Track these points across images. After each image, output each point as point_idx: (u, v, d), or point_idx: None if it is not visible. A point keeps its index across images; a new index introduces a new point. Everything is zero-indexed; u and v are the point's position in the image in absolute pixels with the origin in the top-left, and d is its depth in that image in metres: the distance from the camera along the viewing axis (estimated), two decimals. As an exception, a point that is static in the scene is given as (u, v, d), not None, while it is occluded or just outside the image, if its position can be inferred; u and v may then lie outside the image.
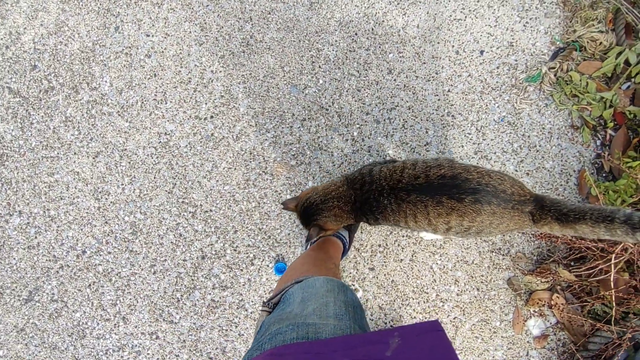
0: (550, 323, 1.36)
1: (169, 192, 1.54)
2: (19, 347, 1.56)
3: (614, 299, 1.15)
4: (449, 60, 1.49)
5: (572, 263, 1.33)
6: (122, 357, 1.52)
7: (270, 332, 0.67)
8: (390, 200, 0.97)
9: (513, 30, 1.46)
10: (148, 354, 1.51)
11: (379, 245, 1.46)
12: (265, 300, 0.87)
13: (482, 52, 1.48)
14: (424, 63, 1.49)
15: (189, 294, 1.51)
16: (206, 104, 1.56)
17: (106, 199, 1.56)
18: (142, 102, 1.58)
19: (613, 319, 1.19)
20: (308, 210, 1.08)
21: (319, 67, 1.53)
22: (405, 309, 1.44)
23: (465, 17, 1.49)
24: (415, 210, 0.94)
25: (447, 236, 1.31)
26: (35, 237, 1.58)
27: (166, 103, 1.58)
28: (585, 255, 1.28)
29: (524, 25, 1.46)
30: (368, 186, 1.02)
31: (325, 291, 0.78)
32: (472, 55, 1.48)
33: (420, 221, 0.96)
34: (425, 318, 1.43)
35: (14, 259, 1.58)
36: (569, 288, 1.34)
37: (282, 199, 1.49)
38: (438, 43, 1.49)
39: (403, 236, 1.45)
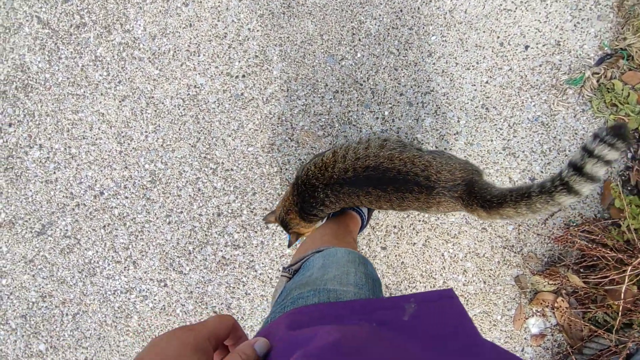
0: (550, 324, 1.40)
1: (192, 146, 1.54)
2: (25, 278, 1.60)
3: (621, 309, 1.18)
4: (492, 51, 1.46)
5: (582, 270, 1.35)
6: (128, 299, 1.55)
7: (292, 296, 0.68)
8: (326, 193, 1.03)
9: (563, 29, 1.43)
10: (154, 299, 1.55)
11: (394, 227, 1.48)
12: (285, 266, 0.88)
13: (527, 47, 1.44)
14: (466, 50, 1.46)
15: (201, 248, 1.53)
16: (239, 62, 1.54)
17: (128, 144, 1.56)
18: (175, 52, 1.56)
19: (615, 327, 1.22)
20: (283, 224, 1.21)
21: (359, 40, 1.50)
22: (411, 291, 1.46)
23: (516, 8, 1.45)
24: (352, 199, 1.01)
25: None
26: (54, 173, 1.58)
27: (199, 55, 1.55)
28: (597, 264, 1.30)
29: (575, 25, 1.42)
30: (302, 188, 1.08)
31: (347, 261, 0.79)
32: (517, 49, 1.45)
33: (357, 204, 1.05)
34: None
35: (30, 191, 1.59)
36: (574, 293, 1.37)
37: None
38: (484, 32, 1.46)
39: (419, 221, 1.47)
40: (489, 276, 1.44)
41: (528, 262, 1.41)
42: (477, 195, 0.90)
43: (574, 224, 1.38)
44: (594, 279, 1.24)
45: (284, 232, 1.49)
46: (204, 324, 0.43)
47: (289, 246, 1.27)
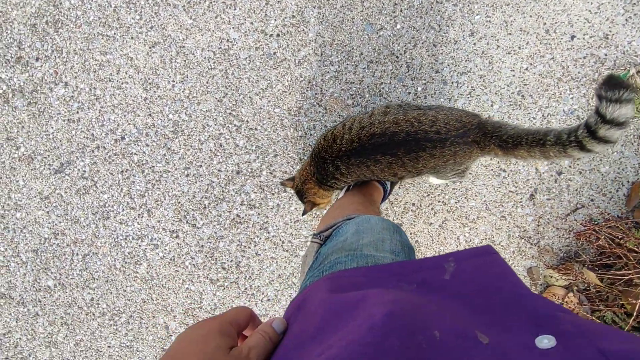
0: (558, 318, 1.39)
1: (218, 101, 1.52)
2: (40, 214, 1.60)
3: (636, 310, 1.17)
4: (537, 37, 1.41)
5: (597, 268, 1.34)
6: (139, 245, 1.56)
7: (330, 260, 0.67)
8: (336, 166, 1.03)
9: (613, 22, 1.38)
10: (165, 249, 1.55)
11: (413, 204, 1.46)
12: (315, 233, 0.87)
13: (573, 37, 1.40)
14: (510, 34, 1.42)
15: (217, 204, 1.53)
16: (275, 20, 1.50)
17: (154, 91, 1.54)
18: (211, 2, 1.52)
19: (627, 329, 1.22)
20: (299, 193, 1.21)
21: (400, 11, 1.46)
22: (421, 270, 1.46)
23: (568, -5, 1.40)
24: (362, 169, 1.01)
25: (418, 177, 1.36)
26: (77, 112, 1.57)
27: (235, 9, 1.51)
28: (615, 263, 1.29)
29: (626, 20, 1.38)
30: (315, 160, 1.09)
31: (381, 228, 0.77)
32: (562, 39, 1.40)
33: (369, 175, 1.04)
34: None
35: (52, 128, 1.58)
36: (585, 291, 1.36)
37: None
38: (530, 16, 1.41)
39: (439, 202, 1.45)
40: (502, 265, 1.44)
41: (543, 255, 1.40)
42: (493, 135, 0.92)
43: (597, 222, 1.36)
44: (610, 277, 1.23)
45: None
46: (225, 313, 0.46)
47: (303, 214, 1.27)
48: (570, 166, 1.41)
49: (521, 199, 1.44)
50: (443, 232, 1.45)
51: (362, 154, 0.98)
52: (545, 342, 0.33)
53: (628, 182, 1.38)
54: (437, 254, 1.43)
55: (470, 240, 1.44)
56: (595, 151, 0.83)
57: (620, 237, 1.23)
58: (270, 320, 0.48)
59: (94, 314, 1.61)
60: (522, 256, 1.42)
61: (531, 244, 1.42)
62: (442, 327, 0.37)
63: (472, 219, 1.44)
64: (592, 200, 1.41)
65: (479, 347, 0.35)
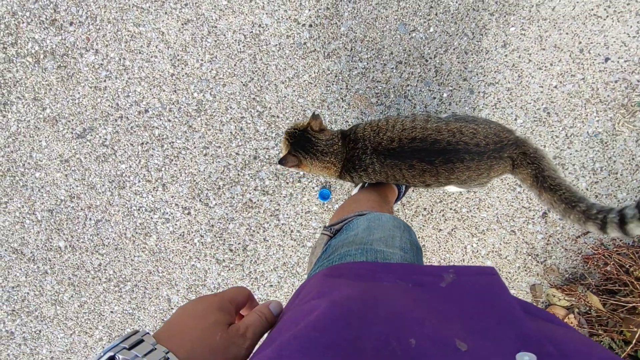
0: (555, 337, 1.40)
1: (244, 85, 1.53)
2: (58, 175, 1.64)
3: (635, 338, 1.17)
4: (570, 55, 1.40)
5: (601, 293, 1.34)
6: (151, 217, 1.59)
7: (340, 253, 0.68)
8: (372, 160, 1.01)
9: (650, 48, 1.36)
10: (175, 224, 1.58)
11: (424, 209, 1.47)
12: (326, 225, 0.88)
13: (607, 59, 1.38)
14: (543, 49, 1.41)
15: (231, 186, 1.55)
16: (309, 10, 1.50)
17: (182, 68, 1.56)
18: (247, -15, 1.52)
19: (624, 355, 1.22)
20: (303, 141, 1.04)
21: (435, 14, 1.45)
22: (425, 274, 1.47)
23: (607, 16, 1.38)
24: (394, 172, 1.00)
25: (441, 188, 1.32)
26: (104, 81, 1.59)
27: (270, -5, 1.52)
28: (620, 290, 1.29)
29: (663, 48, 1.36)
30: (353, 144, 1.04)
31: (392, 226, 0.78)
32: (596, 60, 1.39)
33: (399, 180, 1.03)
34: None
35: (79, 93, 1.60)
36: (586, 314, 1.36)
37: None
38: (566, 34, 1.40)
39: (451, 209, 1.46)
40: (506, 278, 1.44)
41: (549, 274, 1.40)
42: (534, 162, 0.93)
43: (607, 247, 1.36)
44: (614, 303, 1.23)
45: (315, 188, 1.50)
46: (225, 291, 0.48)
47: (280, 162, 1.04)
48: (587, 189, 1.40)
49: (533, 215, 1.43)
50: (451, 240, 1.46)
51: (399, 156, 0.97)
52: (526, 359, 0.34)
53: (632, 237, 1.37)
54: (441, 263, 1.44)
55: (477, 251, 1.45)
56: (610, 235, 0.85)
57: (629, 265, 1.23)
58: (268, 302, 0.50)
59: (100, 279, 1.65)
60: (527, 272, 1.43)
61: (538, 261, 1.42)
62: (420, 333, 0.38)
63: (481, 230, 1.45)
64: (604, 225, 1.40)
65: (457, 354, 0.36)
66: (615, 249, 1.30)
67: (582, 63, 1.39)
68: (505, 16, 1.42)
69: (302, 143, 1.03)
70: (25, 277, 1.68)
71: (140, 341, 0.38)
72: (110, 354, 0.36)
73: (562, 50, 1.40)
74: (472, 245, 1.45)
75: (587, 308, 1.35)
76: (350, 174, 1.09)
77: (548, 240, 1.42)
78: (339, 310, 0.40)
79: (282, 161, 1.03)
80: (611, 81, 1.39)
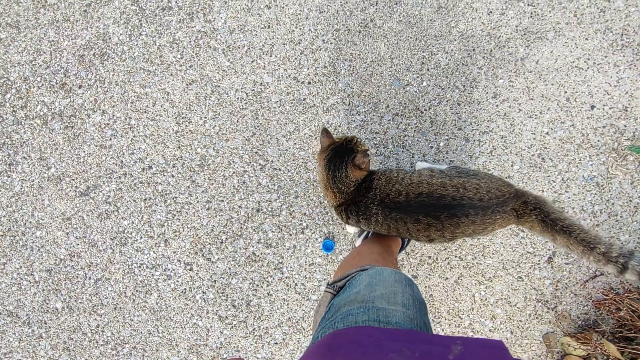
0: (575, 390, 1.34)
1: (246, 139, 1.57)
2: (59, 234, 1.62)
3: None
4: (557, 104, 1.47)
5: (618, 340, 1.30)
6: (152, 275, 1.56)
7: (342, 312, 0.68)
8: (377, 211, 1.02)
9: (632, 96, 1.44)
10: (177, 281, 1.55)
11: (429, 257, 1.46)
12: (329, 282, 0.88)
13: (593, 107, 1.45)
14: (532, 99, 1.48)
15: (234, 240, 1.54)
16: (308, 69, 1.59)
17: (186, 125, 1.61)
18: (249, 48, 1.62)
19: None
20: (341, 154, 1.06)
21: (427, 70, 1.54)
22: (434, 325, 1.43)
23: (588, 68, 1.47)
24: (398, 225, 1.01)
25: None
26: (110, 139, 1.63)
27: (271, 56, 1.61)
28: (635, 336, 1.26)
29: (645, 95, 1.43)
30: (365, 191, 1.05)
31: (394, 281, 0.78)
32: (582, 107, 1.46)
33: (402, 233, 1.03)
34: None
35: (84, 152, 1.64)
36: (604, 363, 1.31)
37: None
38: (552, 84, 1.48)
39: (455, 256, 1.45)
40: (518, 327, 1.40)
41: (561, 321, 1.37)
42: (536, 208, 0.94)
43: (616, 292, 1.34)
44: (631, 351, 1.19)
45: (318, 240, 1.49)
46: None
47: (322, 130, 1.11)
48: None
49: (539, 261, 1.43)
50: (458, 288, 1.44)
51: (405, 210, 0.98)
52: None
53: (648, 253, 1.37)
54: (449, 312, 1.41)
55: (486, 299, 1.42)
56: (629, 279, 0.87)
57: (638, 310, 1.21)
58: None
59: (97, 342, 1.58)
60: (539, 320, 1.39)
61: (548, 308, 1.39)
62: None
63: (488, 277, 1.43)
64: (611, 268, 1.40)
65: None
66: (625, 294, 1.28)
67: (570, 111, 1.46)
68: (493, 69, 1.51)
69: (339, 154, 1.06)
70: (19, 342, 1.61)
71: None
72: None
73: (550, 100, 1.47)
74: (480, 293, 1.43)
75: (605, 357, 1.31)
76: (350, 214, 1.08)
77: (556, 285, 1.41)
78: None
79: (323, 131, 1.11)
80: (599, 127, 1.44)
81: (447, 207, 0.95)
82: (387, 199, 1.01)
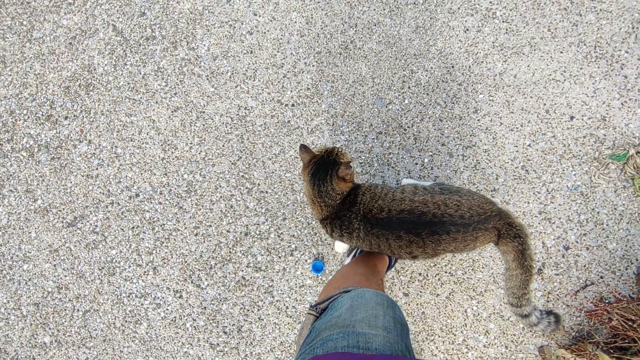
0: (573, 404, 1.32)
1: (232, 163, 1.58)
2: (47, 266, 1.61)
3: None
4: (537, 116, 1.49)
5: (612, 350, 1.29)
6: (142, 304, 1.54)
7: (322, 337, 0.68)
8: (360, 226, 1.02)
9: (610, 105, 1.46)
10: (167, 309, 1.53)
11: (419, 274, 1.45)
12: (312, 304, 0.87)
13: (572, 117, 1.48)
14: (512, 112, 1.50)
15: (223, 265, 1.53)
16: (291, 91, 1.61)
17: (172, 152, 1.61)
18: (232, 74, 1.64)
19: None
20: (324, 167, 1.04)
21: (409, 87, 1.56)
22: (428, 344, 1.41)
23: (565, 80, 1.50)
24: (379, 241, 1.01)
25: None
26: (97, 169, 1.63)
27: (254, 80, 1.63)
28: (629, 346, 1.24)
29: (622, 104, 1.46)
30: (350, 205, 1.04)
31: (375, 303, 0.77)
32: (562, 119, 1.48)
33: (384, 250, 1.03)
34: (448, 359, 1.40)
35: (71, 182, 1.64)
36: (601, 375, 1.30)
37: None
38: (531, 97, 1.50)
39: (446, 272, 1.44)
40: (512, 341, 1.39)
41: (555, 334, 1.36)
42: (520, 237, 0.97)
43: (607, 301, 1.34)
44: (628, 359, 1.18)
45: (307, 261, 1.49)
46: None
47: (300, 147, 1.09)
48: (577, 242, 1.41)
49: (529, 272, 1.42)
50: (450, 304, 1.42)
51: (387, 226, 0.98)
52: None
53: (637, 260, 1.38)
54: (442, 329, 1.40)
55: (479, 314, 1.41)
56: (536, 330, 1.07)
57: (634, 319, 1.20)
58: None
59: (86, 376, 1.55)
60: (533, 333, 1.38)
61: (541, 320, 1.38)
62: None
63: (479, 292, 1.42)
64: (601, 277, 1.39)
65: None
66: (616, 303, 1.28)
67: (550, 122, 1.48)
68: (472, 85, 1.54)
69: (322, 167, 1.04)
70: (6, 380, 1.57)
71: None
72: None
73: (530, 112, 1.50)
74: (472, 309, 1.42)
75: (601, 368, 1.29)
76: (334, 228, 1.07)
77: (547, 297, 1.40)
78: None
79: (301, 147, 1.08)
80: (580, 137, 1.46)
81: (428, 224, 0.95)
82: (370, 214, 1.01)
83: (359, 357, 0.60)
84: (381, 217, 0.99)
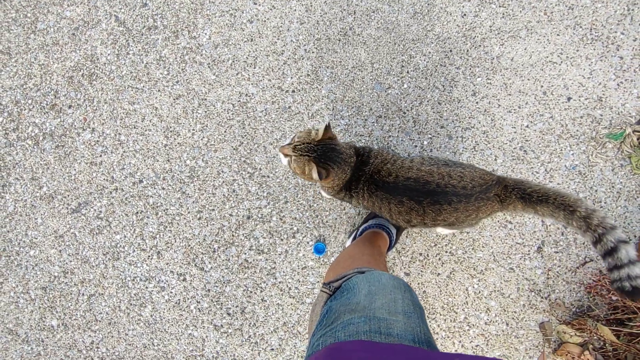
0: (574, 379, 1.33)
1: (234, 149, 1.60)
2: (52, 252, 1.63)
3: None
4: (535, 98, 1.51)
5: (612, 323, 1.30)
6: (146, 287, 1.56)
7: (343, 321, 0.68)
8: (364, 188, 1.05)
9: (606, 86, 1.48)
10: (171, 292, 1.55)
11: (420, 254, 1.47)
12: (325, 282, 0.88)
13: (569, 98, 1.50)
14: (510, 95, 1.53)
15: (226, 248, 1.55)
16: (292, 78, 1.63)
17: (175, 139, 1.64)
18: (233, 61, 1.67)
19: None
20: (326, 151, 1.00)
21: (407, 72, 1.59)
22: (430, 322, 1.43)
23: (561, 62, 1.52)
24: (381, 204, 1.03)
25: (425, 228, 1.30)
26: (100, 156, 1.66)
27: (255, 68, 1.66)
28: (630, 319, 1.26)
29: (618, 85, 1.48)
30: (362, 165, 1.05)
31: (392, 287, 0.78)
32: (559, 100, 1.50)
33: (383, 213, 1.05)
34: (449, 337, 1.42)
35: (75, 169, 1.66)
36: (601, 349, 1.31)
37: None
38: (528, 79, 1.52)
39: (446, 252, 1.46)
40: (513, 318, 1.40)
41: (555, 310, 1.37)
42: (515, 188, 0.98)
43: (606, 275, 1.35)
44: (629, 331, 1.19)
45: (309, 243, 1.51)
46: None
47: (319, 176, 0.99)
48: (575, 220, 1.43)
49: (529, 251, 1.44)
50: (451, 283, 1.44)
51: (392, 190, 1.01)
52: None
53: (635, 236, 1.39)
54: (444, 308, 1.41)
55: (480, 292, 1.43)
56: (598, 252, 0.92)
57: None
58: None
59: (92, 359, 1.56)
60: (533, 310, 1.39)
61: (542, 297, 1.39)
62: None
63: (480, 270, 1.44)
64: (600, 254, 1.41)
65: None
66: (613, 276, 1.29)
67: (548, 103, 1.50)
68: (470, 68, 1.56)
69: (329, 154, 1.00)
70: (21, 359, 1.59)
71: None
72: None
73: (527, 94, 1.52)
74: (473, 287, 1.43)
75: (602, 343, 1.31)
76: (349, 191, 1.08)
77: (548, 274, 1.41)
78: None
79: (320, 175, 0.97)
80: (577, 117, 1.48)
81: (430, 193, 0.97)
82: (378, 175, 1.03)
83: (382, 346, 0.61)
84: (388, 181, 1.01)
